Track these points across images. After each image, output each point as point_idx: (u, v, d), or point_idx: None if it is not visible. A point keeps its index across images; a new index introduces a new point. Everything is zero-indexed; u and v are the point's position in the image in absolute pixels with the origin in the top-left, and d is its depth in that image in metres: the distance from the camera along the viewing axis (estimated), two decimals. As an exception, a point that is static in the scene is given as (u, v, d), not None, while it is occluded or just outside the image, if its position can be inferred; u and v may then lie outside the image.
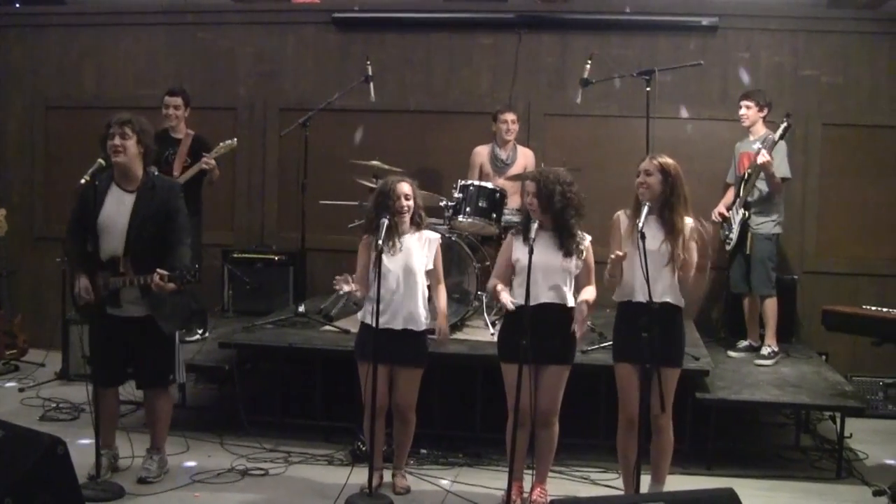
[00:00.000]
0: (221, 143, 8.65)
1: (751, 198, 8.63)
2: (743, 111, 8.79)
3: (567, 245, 6.16)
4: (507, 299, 6.10)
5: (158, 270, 6.13)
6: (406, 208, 6.45)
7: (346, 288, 6.33)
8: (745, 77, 9.79)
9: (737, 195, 8.77)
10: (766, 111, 8.78)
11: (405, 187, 6.51)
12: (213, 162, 8.56)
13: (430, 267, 6.57)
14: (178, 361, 6.83)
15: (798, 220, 9.80)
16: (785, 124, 8.33)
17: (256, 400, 8.14)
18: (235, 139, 8.87)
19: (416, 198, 6.56)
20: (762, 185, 8.60)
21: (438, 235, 6.73)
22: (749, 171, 8.59)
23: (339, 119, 10.07)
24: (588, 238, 6.26)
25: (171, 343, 6.68)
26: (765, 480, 7.19)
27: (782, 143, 8.54)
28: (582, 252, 6.20)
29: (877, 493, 6.84)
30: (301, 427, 7.86)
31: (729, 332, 9.37)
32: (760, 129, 8.77)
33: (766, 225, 8.69)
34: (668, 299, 5.98)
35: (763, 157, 8.26)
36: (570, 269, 6.18)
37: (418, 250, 6.52)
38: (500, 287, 6.24)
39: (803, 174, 9.78)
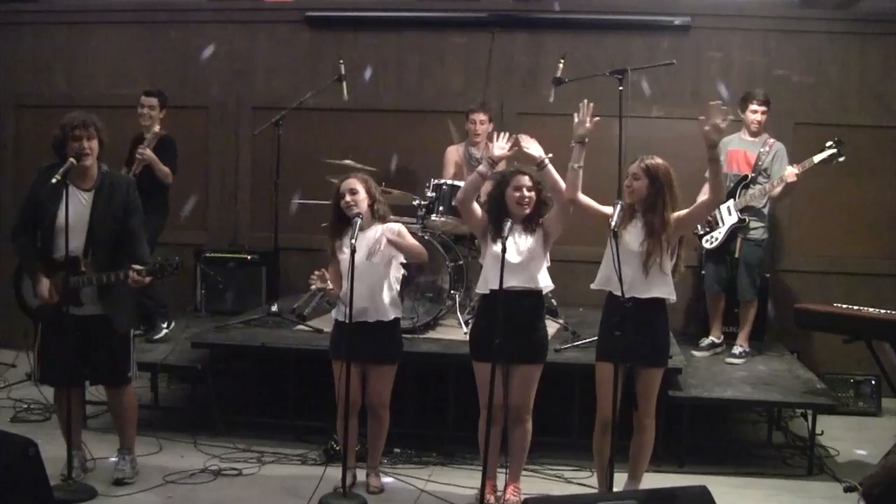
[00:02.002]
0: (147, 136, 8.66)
1: (757, 205, 8.63)
2: (759, 116, 8.70)
3: (533, 229, 6.23)
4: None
5: (134, 266, 6.11)
6: (351, 202, 6.44)
7: (318, 284, 6.35)
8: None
9: (731, 194, 8.69)
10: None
11: (351, 183, 6.52)
12: (147, 152, 8.50)
13: (394, 254, 6.57)
14: (131, 359, 6.74)
15: (770, 219, 9.84)
16: (833, 150, 8.37)
17: (229, 400, 8.11)
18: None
19: (370, 191, 6.56)
20: (759, 191, 8.60)
21: (400, 224, 6.71)
22: (752, 174, 8.59)
23: (312, 118, 10.05)
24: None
25: (127, 340, 6.62)
26: (737, 477, 7.23)
27: (783, 147, 8.58)
28: (540, 224, 6.25)
29: (848, 490, 6.86)
30: (274, 426, 7.85)
31: (699, 331, 9.38)
32: (761, 131, 8.80)
33: (757, 231, 8.69)
34: (647, 297, 5.99)
35: (794, 177, 8.31)
36: (540, 252, 6.21)
37: (377, 243, 6.51)
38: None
39: (775, 173, 9.83)
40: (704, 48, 10.14)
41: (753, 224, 8.67)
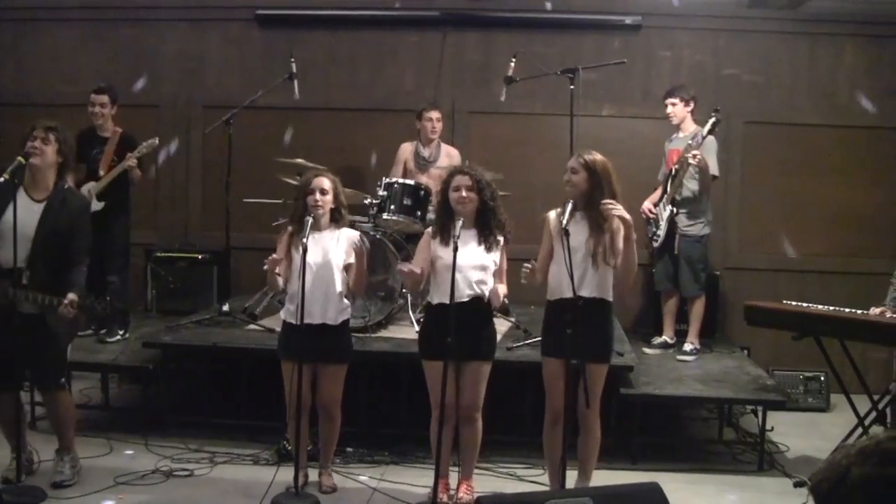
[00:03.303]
0: (144, 143, 8.54)
1: (678, 196, 8.69)
2: (669, 109, 8.80)
3: (488, 241, 6.20)
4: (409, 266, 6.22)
5: (69, 297, 6.03)
6: (320, 203, 6.42)
7: (272, 264, 6.30)
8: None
9: (664, 192, 8.81)
10: (692, 105, 8.82)
11: (323, 182, 6.47)
12: (135, 161, 8.45)
13: (350, 261, 6.54)
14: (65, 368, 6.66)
15: (720, 217, 9.91)
16: (713, 119, 8.38)
17: (181, 400, 8.08)
18: (157, 139, 8.77)
19: (337, 194, 6.53)
20: (692, 185, 8.63)
21: (357, 233, 6.69)
22: (676, 167, 8.64)
23: (264, 117, 9.99)
24: (502, 239, 6.30)
25: (64, 343, 6.53)
26: (689, 474, 7.28)
27: (712, 141, 8.62)
28: (499, 244, 6.23)
29: (797, 485, 6.96)
30: (226, 427, 7.81)
31: (652, 329, 9.43)
32: (690, 126, 8.80)
33: (695, 227, 8.73)
34: (596, 294, 6.02)
35: (696, 158, 8.31)
36: (490, 265, 6.21)
37: (335, 246, 6.48)
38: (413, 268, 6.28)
39: (725, 171, 9.88)
40: (655, 47, 10.19)
41: (689, 220, 8.71)
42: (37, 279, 6.15)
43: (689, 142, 8.51)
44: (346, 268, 6.52)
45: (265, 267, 6.33)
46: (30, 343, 6.28)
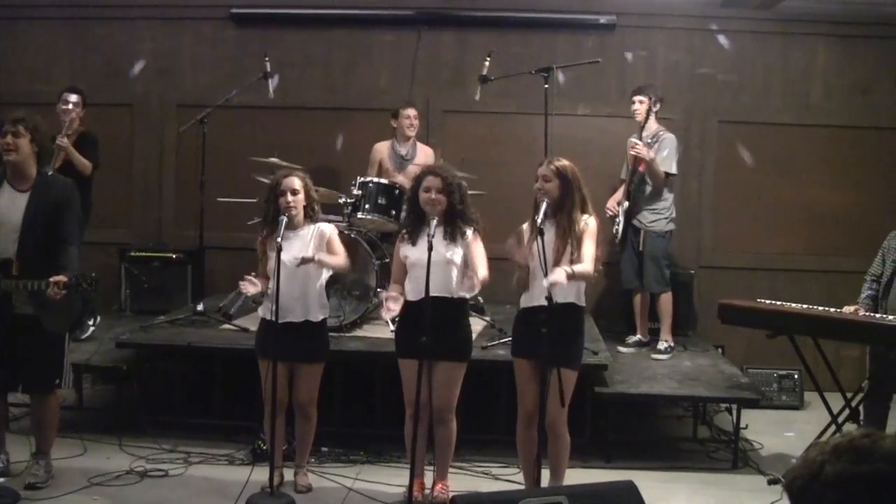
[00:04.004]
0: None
1: (641, 195, 8.74)
2: (636, 106, 8.83)
3: (453, 237, 6.21)
4: (387, 311, 6.21)
5: (54, 278, 6.00)
6: (292, 203, 6.41)
7: (251, 290, 6.35)
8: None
9: (626, 187, 8.86)
10: (658, 106, 8.86)
11: (294, 182, 6.45)
12: (65, 141, 8.35)
13: (323, 250, 6.52)
14: (65, 366, 6.59)
15: (694, 216, 9.96)
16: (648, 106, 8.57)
17: (155, 400, 8.04)
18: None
19: (308, 191, 6.52)
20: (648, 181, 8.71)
21: (332, 226, 6.70)
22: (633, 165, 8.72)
23: (238, 116, 9.96)
24: (469, 231, 6.30)
25: (59, 346, 6.49)
26: (663, 472, 7.31)
27: (672, 139, 8.68)
28: (465, 236, 6.24)
29: (771, 482, 6.99)
30: (201, 427, 7.78)
31: (626, 327, 9.44)
32: (653, 125, 8.83)
33: (658, 223, 8.77)
34: (566, 299, 6.03)
35: (635, 149, 8.41)
36: (457, 261, 6.22)
37: (310, 243, 6.47)
38: (385, 295, 6.32)
39: (699, 170, 9.95)
40: (629, 47, 10.21)
41: (652, 216, 8.77)
42: (28, 268, 6.13)
43: (649, 140, 8.57)
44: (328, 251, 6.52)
45: (242, 290, 6.37)
46: (24, 344, 6.26)
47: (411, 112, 9.25)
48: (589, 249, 6.02)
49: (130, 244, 10.14)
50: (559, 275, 5.77)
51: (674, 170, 8.76)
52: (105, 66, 10.55)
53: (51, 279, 5.98)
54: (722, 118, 10.06)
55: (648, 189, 8.72)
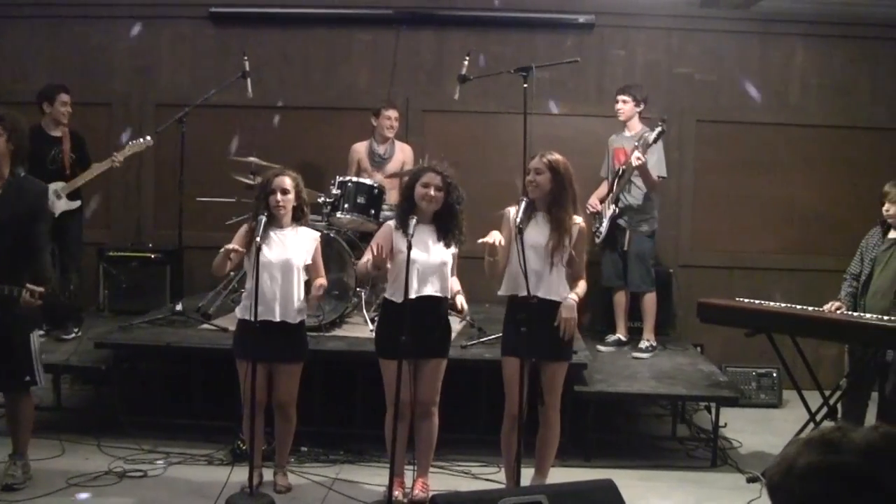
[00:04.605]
0: (133, 142, 8.70)
1: (630, 196, 8.75)
2: (619, 105, 8.87)
3: (447, 239, 6.21)
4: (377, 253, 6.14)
5: (29, 286, 5.95)
6: (282, 203, 6.40)
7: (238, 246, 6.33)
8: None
9: (610, 189, 8.86)
10: (642, 106, 8.88)
11: (285, 181, 6.46)
12: (121, 160, 8.48)
13: (309, 262, 6.53)
14: (35, 363, 6.48)
15: (673, 215, 9.99)
16: (659, 128, 8.43)
17: (134, 400, 8.01)
18: (150, 137, 8.77)
19: (299, 192, 6.52)
20: (641, 183, 8.71)
21: (317, 234, 6.71)
22: (623, 167, 8.70)
23: (217, 115, 9.92)
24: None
25: (25, 344, 6.41)
26: (643, 470, 7.32)
27: (659, 142, 8.69)
28: (460, 241, 6.26)
29: (750, 480, 7.03)
30: (180, 427, 7.75)
31: (606, 326, 9.45)
32: (636, 125, 8.88)
33: (645, 223, 8.81)
34: (552, 297, 6.05)
35: (637, 160, 8.36)
36: (449, 261, 6.23)
37: (296, 245, 6.48)
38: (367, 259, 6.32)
39: (678, 170, 9.96)
40: (608, 46, 10.24)
41: (639, 216, 8.80)
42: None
43: (636, 143, 8.58)
44: (307, 268, 6.51)
45: (222, 249, 6.35)
46: None
47: (392, 114, 9.25)
48: (582, 262, 6.10)
49: (109, 244, 10.10)
50: (573, 310, 6.06)
51: (664, 172, 8.81)
52: (84, 65, 10.49)
53: (28, 286, 5.94)
54: (700, 118, 10.09)
55: (637, 191, 8.73)
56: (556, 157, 6.16)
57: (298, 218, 6.55)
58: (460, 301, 6.25)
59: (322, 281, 6.56)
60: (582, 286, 6.19)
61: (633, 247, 8.79)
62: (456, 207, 6.26)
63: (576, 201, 6.15)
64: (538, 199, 6.09)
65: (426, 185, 6.22)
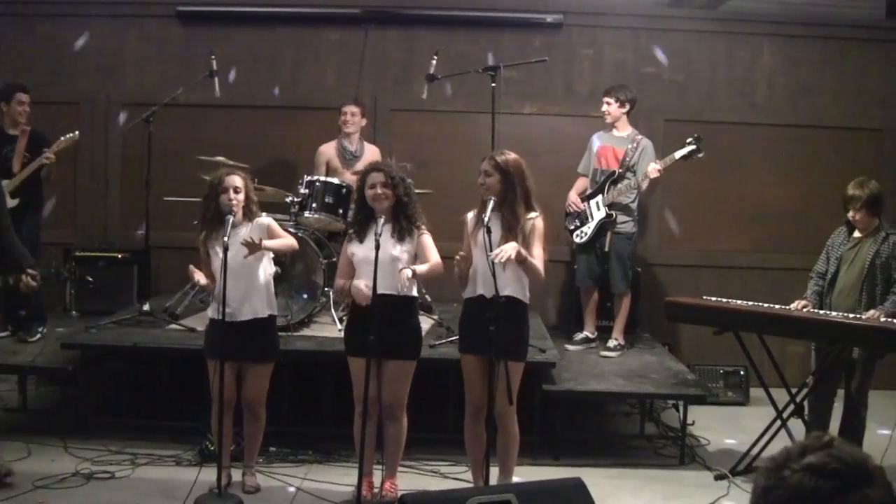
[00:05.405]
0: (62, 137, 8.50)
1: (627, 201, 8.77)
2: (605, 107, 8.86)
3: (401, 234, 6.22)
4: (361, 284, 6.12)
5: (29, 271, 5.94)
6: (234, 202, 6.39)
7: (202, 280, 6.33)
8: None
9: (599, 190, 8.81)
10: (628, 107, 8.88)
11: (235, 180, 6.45)
12: (53, 157, 8.38)
13: (269, 245, 6.49)
14: None
15: (641, 214, 10.01)
16: (692, 146, 8.48)
17: (101, 401, 7.98)
18: (77, 132, 8.69)
19: (249, 191, 6.52)
20: (632, 192, 8.72)
21: (269, 219, 6.67)
22: (619, 170, 8.71)
23: (184, 114, 9.87)
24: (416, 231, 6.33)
25: None
26: (612, 469, 7.34)
27: (651, 146, 8.72)
28: (413, 234, 6.26)
29: (718, 478, 7.07)
30: (148, 428, 7.71)
31: (574, 325, 9.46)
32: (626, 127, 8.88)
33: (627, 224, 8.82)
34: (509, 293, 6.04)
35: (657, 173, 8.43)
36: (403, 257, 6.23)
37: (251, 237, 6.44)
38: (344, 283, 6.31)
39: (646, 169, 10.00)
40: (576, 46, 10.26)
41: (622, 218, 8.79)
42: None
43: (631, 146, 8.63)
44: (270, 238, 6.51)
45: (191, 276, 6.35)
46: None
47: (348, 108, 9.20)
48: (538, 254, 6.08)
49: (75, 244, 10.03)
50: (510, 247, 5.83)
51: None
52: (50, 64, 10.42)
53: (28, 271, 5.93)
54: (668, 117, 10.11)
55: (630, 193, 8.75)
56: (506, 156, 6.16)
57: (248, 216, 6.53)
58: (405, 273, 6.12)
59: (280, 241, 6.57)
60: (535, 262, 6.08)
61: (614, 248, 8.79)
62: (405, 199, 6.26)
63: (529, 197, 6.14)
64: (494, 201, 6.10)
65: (372, 186, 6.25)
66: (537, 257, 6.07)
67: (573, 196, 8.95)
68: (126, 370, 8.13)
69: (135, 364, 8.16)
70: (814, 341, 7.54)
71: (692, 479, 7.21)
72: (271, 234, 6.53)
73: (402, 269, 6.06)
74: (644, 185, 8.65)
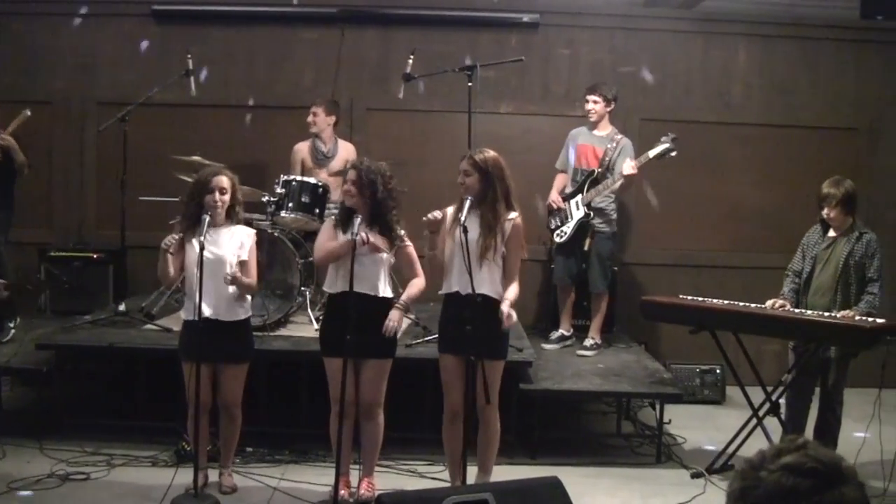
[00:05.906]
0: (16, 118, 8.47)
1: (596, 202, 8.77)
2: (590, 105, 8.85)
3: (384, 236, 6.22)
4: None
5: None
6: (220, 203, 6.38)
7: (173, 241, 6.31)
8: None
9: (579, 189, 8.82)
10: (612, 105, 8.91)
11: (222, 181, 6.42)
12: (9, 138, 8.31)
13: (244, 258, 6.47)
14: None
15: (617, 213, 10.02)
16: (666, 145, 8.50)
17: (77, 402, 7.95)
18: (28, 111, 8.65)
19: (235, 192, 6.50)
20: (611, 190, 8.74)
21: (253, 231, 6.67)
22: (598, 170, 8.73)
23: (160, 114, 9.81)
24: (403, 232, 6.33)
25: None
26: (588, 467, 7.35)
27: (630, 145, 8.73)
28: (396, 240, 6.26)
29: (694, 476, 7.10)
30: (124, 428, 7.67)
31: (551, 324, 9.47)
32: (607, 125, 8.90)
33: (606, 224, 8.85)
34: (486, 292, 6.05)
35: (632, 171, 8.44)
36: (384, 261, 6.22)
37: (230, 243, 6.44)
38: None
39: (622, 168, 10.02)
40: (553, 45, 10.27)
41: (601, 218, 8.80)
42: None
43: (610, 145, 8.63)
44: (241, 264, 6.45)
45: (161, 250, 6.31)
46: None
47: (313, 109, 9.19)
48: (516, 262, 6.13)
49: (51, 244, 9.99)
50: (508, 310, 6.01)
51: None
52: (24, 62, 10.36)
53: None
54: (644, 116, 10.13)
55: (607, 198, 8.77)
56: (485, 155, 6.17)
57: (232, 217, 6.51)
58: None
59: (250, 281, 6.51)
60: (513, 290, 6.16)
61: (595, 247, 8.79)
62: (379, 203, 6.25)
63: (509, 195, 6.16)
64: (471, 201, 6.10)
65: (345, 182, 6.27)
66: (513, 269, 6.15)
67: (554, 195, 8.95)
68: (101, 371, 8.09)
69: (110, 364, 8.12)
70: (790, 340, 7.56)
71: (669, 478, 7.24)
72: (247, 266, 6.49)
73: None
74: (618, 185, 8.65)
